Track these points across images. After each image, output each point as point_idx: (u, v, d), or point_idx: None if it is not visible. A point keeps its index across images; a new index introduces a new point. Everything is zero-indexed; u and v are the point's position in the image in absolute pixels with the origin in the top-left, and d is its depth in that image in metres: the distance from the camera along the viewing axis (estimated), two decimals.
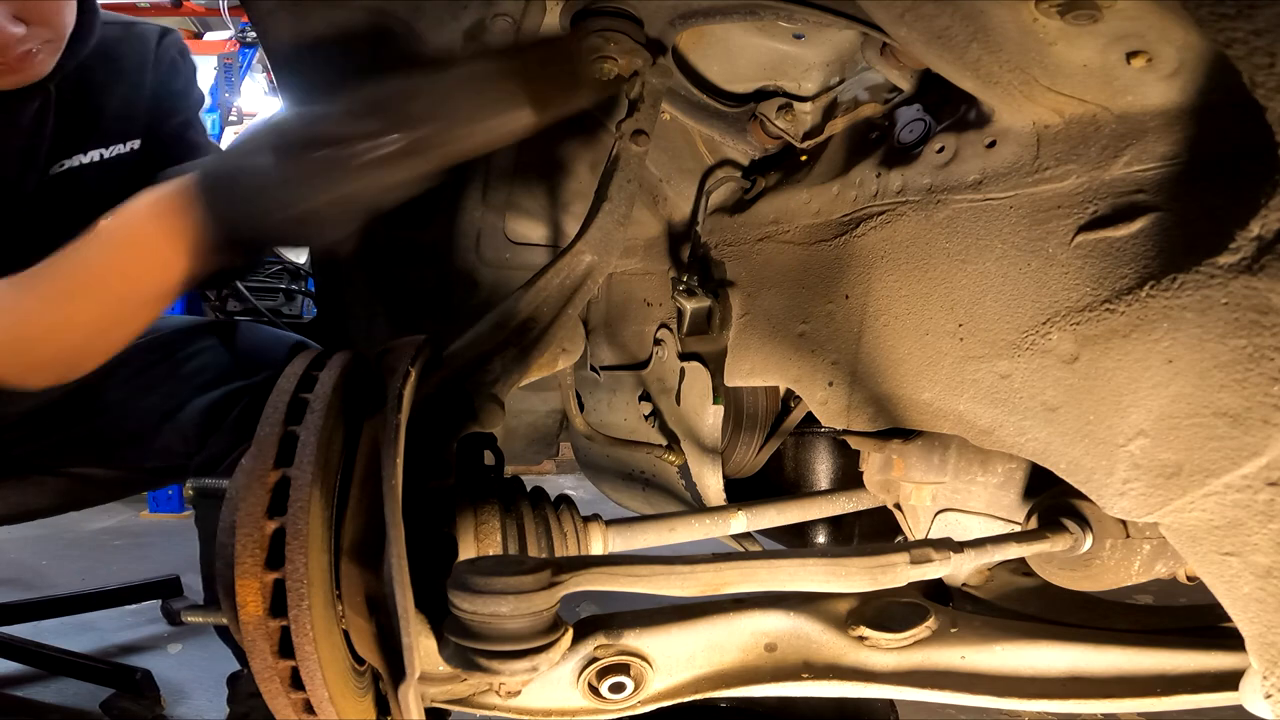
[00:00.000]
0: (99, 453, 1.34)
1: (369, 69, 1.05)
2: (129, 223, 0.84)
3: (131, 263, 0.85)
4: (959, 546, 0.71)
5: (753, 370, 1.13)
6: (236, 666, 1.49)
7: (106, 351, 0.92)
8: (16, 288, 0.86)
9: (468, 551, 0.70)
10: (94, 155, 1.28)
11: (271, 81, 4.71)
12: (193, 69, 1.45)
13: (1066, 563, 0.79)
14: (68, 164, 1.26)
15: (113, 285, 0.86)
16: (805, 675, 0.76)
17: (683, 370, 1.29)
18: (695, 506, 1.32)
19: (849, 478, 1.23)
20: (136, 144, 1.33)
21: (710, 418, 1.25)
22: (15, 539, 2.90)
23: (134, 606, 2.34)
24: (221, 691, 1.58)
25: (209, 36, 5.60)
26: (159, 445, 1.25)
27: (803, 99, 1.05)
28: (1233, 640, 0.62)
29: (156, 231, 0.83)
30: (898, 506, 0.98)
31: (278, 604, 0.56)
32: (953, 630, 0.79)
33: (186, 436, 1.22)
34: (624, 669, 0.71)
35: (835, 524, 1.30)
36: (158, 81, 1.36)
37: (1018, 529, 0.88)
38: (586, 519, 0.82)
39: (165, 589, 2.34)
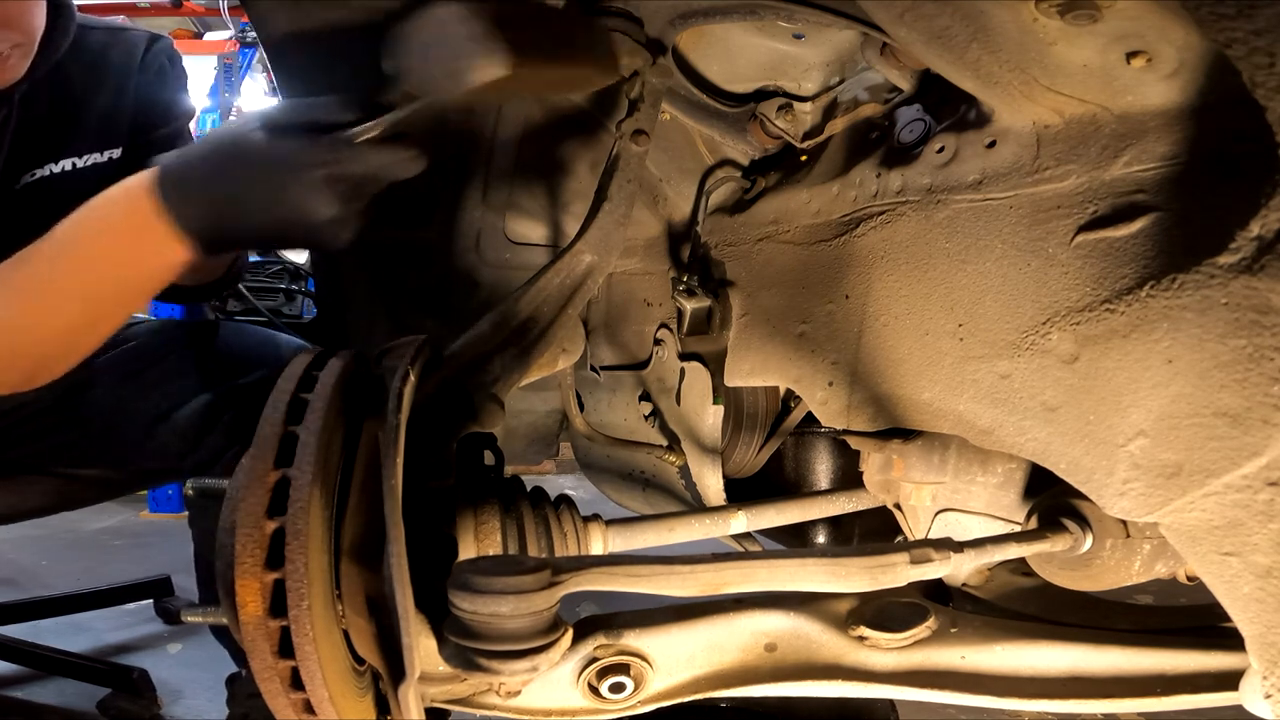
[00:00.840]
0: (94, 454, 1.33)
1: (368, 69, 1.05)
2: (88, 219, 0.81)
3: (94, 259, 0.81)
4: (959, 546, 0.71)
5: (753, 370, 1.13)
6: (236, 667, 1.49)
7: (75, 354, 0.88)
8: None
9: (468, 551, 0.70)
10: (65, 164, 1.23)
11: (271, 81, 4.70)
12: (183, 77, 1.41)
13: (1066, 563, 0.79)
14: (38, 173, 1.21)
15: (76, 283, 0.82)
16: (805, 675, 0.76)
17: (683, 370, 1.29)
18: (695, 506, 1.32)
19: (849, 478, 1.23)
20: (117, 153, 1.29)
21: (710, 418, 1.25)
22: (15, 539, 2.90)
23: (131, 606, 2.34)
24: (220, 691, 1.58)
25: (209, 36, 5.59)
26: (154, 446, 1.25)
27: (803, 99, 1.05)
28: (1233, 640, 0.62)
29: (116, 226, 0.79)
30: (898, 506, 0.98)
31: (278, 604, 0.56)
32: (953, 630, 0.79)
33: (183, 437, 1.22)
34: (624, 669, 0.71)
35: (835, 524, 1.30)
36: (143, 89, 1.32)
37: (1018, 529, 0.88)
38: (586, 519, 0.82)
39: (157, 589, 2.33)
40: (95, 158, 1.27)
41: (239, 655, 1.45)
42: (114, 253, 0.81)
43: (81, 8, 1.23)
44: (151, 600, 2.34)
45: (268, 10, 0.97)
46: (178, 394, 1.23)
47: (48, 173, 1.22)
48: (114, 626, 2.26)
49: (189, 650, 2.11)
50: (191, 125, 1.46)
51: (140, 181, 0.79)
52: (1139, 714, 0.86)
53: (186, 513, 1.47)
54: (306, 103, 0.79)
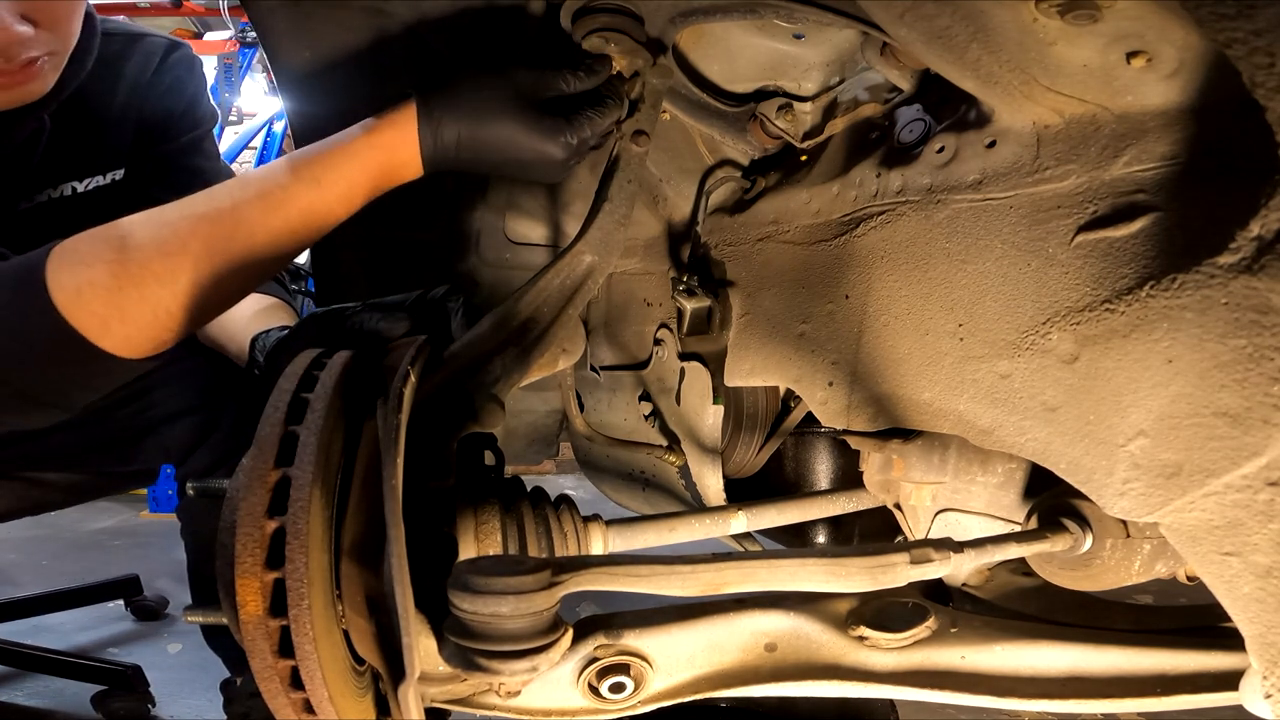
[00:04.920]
0: (73, 457, 1.28)
1: (369, 69, 1.05)
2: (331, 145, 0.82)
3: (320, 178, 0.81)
4: (959, 546, 0.71)
5: (753, 370, 1.13)
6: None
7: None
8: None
9: (468, 551, 0.70)
10: (66, 189, 1.17)
11: (271, 81, 4.70)
12: (200, 86, 1.36)
13: (1066, 563, 0.79)
14: (38, 199, 1.15)
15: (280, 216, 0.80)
16: (805, 675, 0.76)
17: (683, 370, 1.29)
18: (695, 506, 1.32)
19: (849, 478, 1.23)
20: (119, 174, 1.23)
21: (710, 418, 1.25)
22: (14, 539, 2.90)
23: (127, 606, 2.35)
24: (215, 693, 1.58)
25: (209, 36, 5.59)
26: (138, 454, 1.23)
27: (803, 99, 1.05)
28: (1233, 640, 0.62)
29: (362, 147, 0.82)
30: (898, 506, 0.98)
31: (278, 603, 0.55)
32: (953, 630, 0.79)
33: (167, 449, 1.21)
34: (624, 669, 0.71)
35: (835, 524, 1.30)
36: (153, 105, 1.27)
37: (1018, 529, 0.88)
38: (586, 519, 0.81)
39: (125, 589, 2.33)
40: (98, 180, 1.21)
41: (231, 661, 1.44)
42: (350, 169, 0.82)
43: None
44: (122, 600, 2.33)
45: (268, 10, 0.97)
46: (168, 404, 1.21)
47: (46, 198, 1.16)
48: (113, 625, 2.26)
49: (188, 651, 2.11)
50: (213, 130, 1.40)
51: (399, 109, 0.83)
52: (1139, 714, 0.86)
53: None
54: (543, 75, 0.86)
